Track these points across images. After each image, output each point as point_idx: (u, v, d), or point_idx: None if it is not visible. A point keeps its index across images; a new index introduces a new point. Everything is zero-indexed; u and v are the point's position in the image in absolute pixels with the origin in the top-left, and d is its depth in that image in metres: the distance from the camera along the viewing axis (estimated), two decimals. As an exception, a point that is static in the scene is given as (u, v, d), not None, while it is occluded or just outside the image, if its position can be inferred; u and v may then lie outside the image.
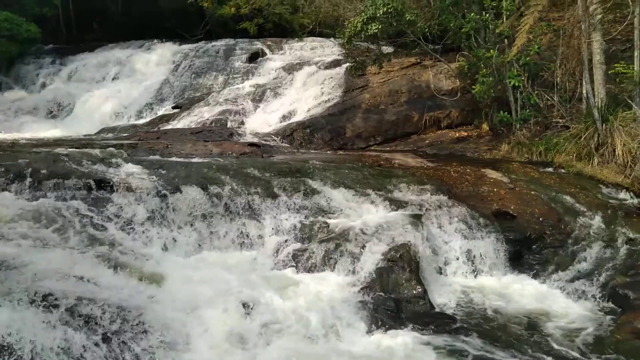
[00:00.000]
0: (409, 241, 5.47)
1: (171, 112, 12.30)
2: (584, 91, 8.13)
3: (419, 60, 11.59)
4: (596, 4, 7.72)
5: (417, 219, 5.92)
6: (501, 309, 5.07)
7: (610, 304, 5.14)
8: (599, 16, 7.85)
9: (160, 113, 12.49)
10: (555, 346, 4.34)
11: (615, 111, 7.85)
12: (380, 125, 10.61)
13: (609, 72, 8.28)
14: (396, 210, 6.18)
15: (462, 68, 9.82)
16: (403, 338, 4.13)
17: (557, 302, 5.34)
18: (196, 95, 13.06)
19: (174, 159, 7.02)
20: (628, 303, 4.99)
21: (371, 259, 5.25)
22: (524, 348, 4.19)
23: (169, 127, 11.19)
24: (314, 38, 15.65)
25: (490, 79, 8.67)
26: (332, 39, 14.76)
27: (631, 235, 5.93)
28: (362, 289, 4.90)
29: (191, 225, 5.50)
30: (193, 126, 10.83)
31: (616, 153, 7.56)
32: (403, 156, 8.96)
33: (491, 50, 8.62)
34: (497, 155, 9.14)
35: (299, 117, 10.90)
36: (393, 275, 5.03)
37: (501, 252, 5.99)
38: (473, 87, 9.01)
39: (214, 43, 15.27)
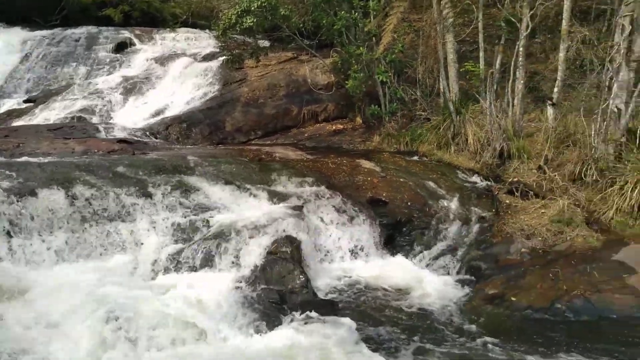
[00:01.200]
0: (292, 233, 5.59)
1: (23, 107, 10.85)
2: (441, 87, 9.04)
3: (295, 55, 11.81)
4: (448, 8, 8.61)
5: (298, 211, 6.07)
6: (378, 289, 5.47)
7: (468, 276, 5.85)
8: (451, 19, 8.77)
9: (5, 108, 10.92)
10: (423, 316, 4.82)
11: (467, 104, 8.89)
12: (261, 119, 10.61)
13: (461, 70, 9.32)
14: (278, 203, 6.25)
15: (335, 64, 10.25)
16: (287, 328, 4.22)
17: (425, 278, 5.90)
18: (54, 87, 11.67)
19: (26, 159, 6.20)
20: (481, 273, 5.74)
21: (255, 253, 5.26)
22: (396, 322, 4.58)
23: (21, 123, 9.86)
24: (188, 29, 14.99)
25: (361, 74, 9.19)
26: (207, 30, 14.29)
27: (482, 214, 6.78)
28: (246, 284, 4.89)
29: (51, 232, 4.94)
30: (51, 122, 9.68)
31: (468, 142, 8.56)
32: (284, 149, 9.08)
33: (361, 48, 9.13)
34: (370, 146, 9.75)
35: (174, 111, 10.38)
36: (277, 268, 5.10)
37: (376, 236, 6.43)
38: (346, 82, 9.47)
39: (73, 30, 13.72)
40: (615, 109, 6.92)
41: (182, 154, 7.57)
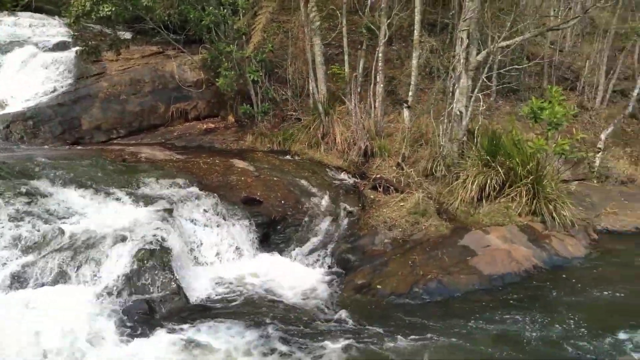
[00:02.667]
0: (161, 237, 5.30)
1: None
2: (311, 87, 9.36)
3: (161, 50, 11.15)
4: (314, 12, 8.94)
5: (168, 214, 5.78)
6: (254, 288, 5.48)
7: (338, 268, 6.17)
8: (317, 23, 9.12)
9: None
10: (297, 309, 4.98)
11: (334, 105, 9.35)
12: (123, 117, 9.83)
13: (328, 72, 9.76)
14: (145, 206, 5.88)
15: (205, 60, 9.94)
16: (157, 339, 4.01)
17: (299, 273, 6.08)
18: None
19: None
20: (350, 265, 6.10)
21: (119, 262, 4.88)
22: (271, 320, 4.63)
23: None
24: (33, 14, 13.16)
25: (232, 72, 9.07)
26: (57, 17, 12.72)
27: (350, 209, 7.20)
28: (109, 296, 4.52)
29: None
30: None
31: (337, 141, 9.02)
32: (150, 149, 8.56)
33: (231, 45, 9.01)
34: (244, 146, 9.68)
35: (16, 107, 9.07)
36: (145, 276, 4.80)
37: (252, 235, 6.42)
38: (217, 79, 9.26)
39: None
40: (458, 112, 7.90)
41: (29, 155, 6.69)
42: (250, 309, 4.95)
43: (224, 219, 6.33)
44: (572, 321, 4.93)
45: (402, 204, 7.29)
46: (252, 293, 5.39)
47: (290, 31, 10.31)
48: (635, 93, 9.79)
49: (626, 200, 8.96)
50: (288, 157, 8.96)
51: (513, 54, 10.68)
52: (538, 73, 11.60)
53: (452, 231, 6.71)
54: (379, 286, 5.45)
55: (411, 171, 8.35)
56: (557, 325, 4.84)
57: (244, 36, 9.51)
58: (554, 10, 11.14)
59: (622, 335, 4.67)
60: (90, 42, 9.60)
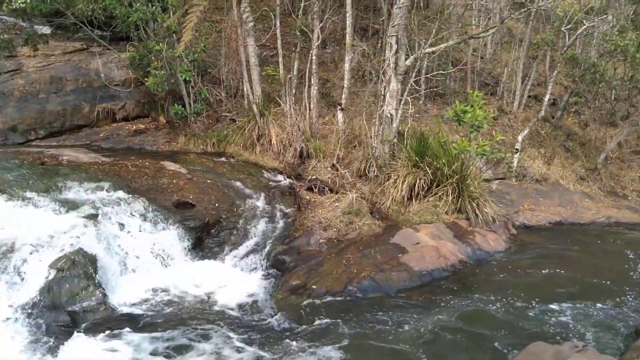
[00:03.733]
0: (85, 245, 5.03)
1: None
2: (245, 89, 9.27)
3: (85, 46, 10.52)
4: (247, 12, 8.87)
5: (92, 220, 5.49)
6: (186, 295, 5.34)
7: (274, 270, 6.17)
8: (251, 24, 9.06)
9: None
10: (230, 314, 4.92)
11: (270, 107, 9.33)
12: (43, 117, 9.18)
13: (263, 73, 9.72)
14: (67, 212, 5.54)
15: (133, 59, 9.52)
16: (78, 353, 3.79)
17: (234, 277, 6.00)
18: None
19: None
20: (286, 266, 6.12)
21: (38, 272, 4.57)
22: (204, 326, 4.55)
23: None
24: None
25: (162, 72, 8.77)
26: (-38, 6, 11.62)
27: (286, 210, 7.23)
28: (26, 309, 4.20)
29: None
30: None
31: (272, 142, 9.01)
32: (73, 152, 8.07)
33: (160, 44, 8.71)
34: (176, 147, 9.39)
35: None
36: (67, 286, 4.53)
37: (184, 240, 6.25)
38: (146, 79, 8.91)
39: None
40: (389, 115, 8.18)
41: None
42: (181, 317, 4.82)
43: (154, 223, 6.12)
44: (494, 310, 5.29)
45: (336, 204, 7.43)
46: (184, 300, 5.26)
47: (223, 31, 10.15)
48: (546, 98, 10.63)
49: (541, 197, 9.73)
50: (223, 159, 8.81)
51: (439, 59, 11.22)
52: (462, 78, 12.27)
53: (384, 230, 6.94)
54: (314, 286, 5.52)
55: (345, 172, 8.53)
56: (481, 315, 5.17)
57: (174, 34, 9.22)
58: (475, 20, 11.85)
59: (537, 319, 5.08)
60: (2, 36, 8.87)
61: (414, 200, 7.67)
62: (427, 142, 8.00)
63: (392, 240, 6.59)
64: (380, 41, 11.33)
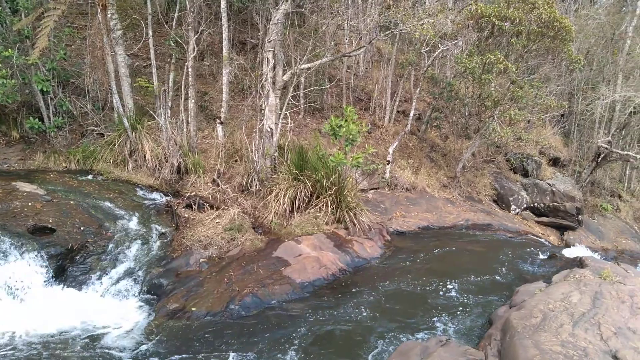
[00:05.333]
0: None
1: None
2: (115, 101, 8.62)
3: None
4: (115, 19, 8.30)
5: None
6: (45, 330, 4.73)
7: (150, 295, 5.77)
8: (120, 32, 8.49)
9: None
10: (97, 347, 4.46)
11: (142, 120, 8.79)
12: None
13: (135, 85, 9.14)
14: None
15: (-25, 65, 8.27)
16: None
17: (105, 306, 5.47)
18: None
19: None
20: (163, 290, 5.76)
21: None
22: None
23: None
24: None
25: (13, 81, 7.76)
26: None
27: (162, 230, 6.83)
28: None
29: None
30: None
31: (147, 158, 8.48)
32: None
33: (10, 49, 7.70)
34: (32, 166, 8.35)
35: None
36: None
37: (42, 270, 5.54)
38: (-8, 88, 7.79)
39: None
40: (269, 129, 8.25)
41: None
42: (38, 357, 4.25)
43: (5, 253, 5.34)
44: (370, 311, 5.57)
45: (217, 220, 7.24)
46: (43, 339, 4.65)
47: (88, 38, 9.34)
48: (411, 113, 11.66)
49: (411, 204, 10.59)
50: (89, 177, 8.06)
51: (316, 75, 11.67)
52: (338, 94, 12.91)
53: (267, 244, 6.93)
54: (193, 308, 5.27)
55: (227, 187, 8.37)
56: (361, 317, 5.40)
57: (27, 40, 8.24)
58: (347, 39, 12.58)
59: (408, 317, 5.47)
60: None
61: (295, 212, 7.81)
62: (307, 156, 8.23)
63: (275, 253, 6.61)
64: (259, 56, 11.41)
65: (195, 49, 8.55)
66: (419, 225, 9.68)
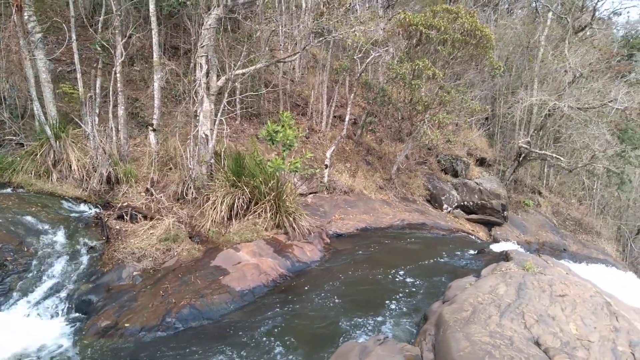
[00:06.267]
0: None
1: None
2: (35, 108, 8.07)
3: None
4: (33, 22, 7.79)
5: None
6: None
7: (79, 313, 5.44)
8: (39, 35, 7.97)
9: None
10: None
11: (67, 129, 8.30)
12: None
13: (58, 91, 8.61)
14: None
15: None
16: None
17: (28, 328, 5.11)
18: None
19: None
20: (92, 307, 5.46)
21: None
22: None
23: None
24: None
25: None
26: None
27: (91, 244, 6.48)
28: None
29: None
30: None
31: (72, 168, 8.00)
32: None
33: None
34: (-61, 180, 7.61)
35: None
36: None
37: (-47, 294, 5.07)
38: None
39: None
40: (204, 135, 8.09)
41: None
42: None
43: None
44: (311, 313, 5.62)
45: (152, 231, 6.98)
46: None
47: (2, 41, 8.68)
48: (347, 118, 11.92)
49: (349, 207, 10.81)
50: (8, 190, 7.47)
51: (252, 81, 11.61)
52: (275, 99, 12.92)
53: (204, 253, 6.78)
54: (127, 324, 5.04)
55: (161, 196, 8.10)
56: (302, 322, 5.42)
57: None
58: (282, 45, 12.64)
59: (348, 319, 5.57)
60: None
61: (234, 219, 7.71)
62: (244, 162, 8.16)
63: (213, 263, 6.48)
64: (191, 61, 11.17)
65: (124, 53, 8.22)
66: (357, 227, 9.89)
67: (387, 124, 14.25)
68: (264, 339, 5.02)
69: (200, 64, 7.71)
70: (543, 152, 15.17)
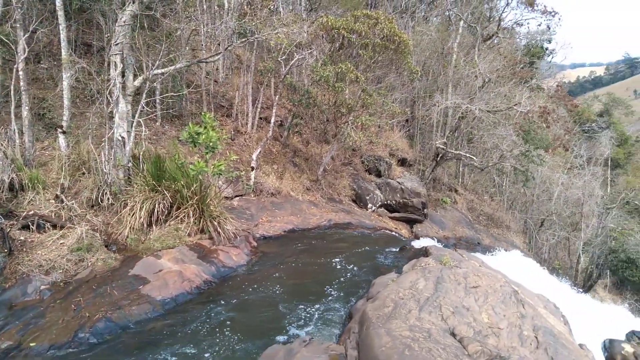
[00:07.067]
0: None
1: None
2: None
3: None
4: None
5: None
6: None
7: (-25, 335, 4.92)
8: None
9: None
10: None
11: (-40, 131, 7.47)
12: None
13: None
14: None
15: None
16: None
17: None
18: None
19: None
20: (-8, 327, 4.96)
21: None
22: None
23: None
24: None
25: None
26: None
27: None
28: None
29: None
30: None
31: (-33, 175, 7.22)
32: None
33: None
34: None
35: None
36: None
37: None
38: None
39: None
40: (120, 137, 7.66)
41: None
42: None
43: None
44: (236, 318, 5.53)
45: (62, 241, 6.48)
46: None
47: None
48: (272, 120, 11.89)
49: (276, 209, 10.79)
50: None
51: (173, 81, 11.20)
52: (198, 100, 12.56)
53: (122, 262, 6.42)
54: (32, 343, 4.63)
55: (73, 203, 7.53)
56: (227, 328, 5.31)
57: None
58: (204, 45, 12.32)
59: (275, 322, 5.55)
60: None
61: (154, 226, 7.38)
62: (165, 165, 7.84)
63: (132, 272, 6.16)
64: (107, 59, 10.55)
65: (26, 49, 7.56)
66: (285, 229, 9.90)
67: (313, 125, 14.42)
68: (185, 348, 4.86)
69: (115, 62, 7.29)
70: (458, 152, 16.16)
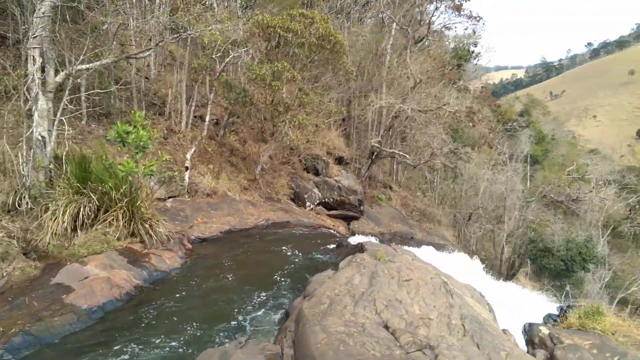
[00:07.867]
0: None
1: None
2: None
3: None
4: None
5: None
6: None
7: None
8: None
9: None
10: None
11: None
12: None
13: None
14: None
15: None
16: None
17: None
18: None
19: None
20: None
21: None
22: None
23: None
24: None
25: None
26: None
27: None
28: None
29: None
30: None
31: None
32: None
33: None
34: None
35: None
36: None
37: None
38: None
39: None
40: (40, 137, 7.15)
41: None
42: None
43: None
44: (171, 324, 5.36)
45: (-28, 250, 5.95)
46: None
47: None
48: (207, 118, 11.64)
49: (212, 209, 10.57)
50: None
51: (100, 77, 10.62)
52: (129, 98, 12.00)
53: (42, 270, 6.01)
54: (-62, 365, 4.23)
55: (-15, 208, 6.94)
56: (159, 334, 5.13)
57: None
58: (133, 40, 11.79)
59: (209, 324, 5.45)
60: None
61: (79, 230, 6.97)
62: (91, 166, 7.42)
63: (54, 280, 5.78)
64: (24, 53, 9.79)
65: None
66: (221, 230, 9.73)
67: (250, 124, 14.27)
68: (114, 357, 4.65)
69: (33, 56, 6.79)
70: (392, 150, 16.71)
